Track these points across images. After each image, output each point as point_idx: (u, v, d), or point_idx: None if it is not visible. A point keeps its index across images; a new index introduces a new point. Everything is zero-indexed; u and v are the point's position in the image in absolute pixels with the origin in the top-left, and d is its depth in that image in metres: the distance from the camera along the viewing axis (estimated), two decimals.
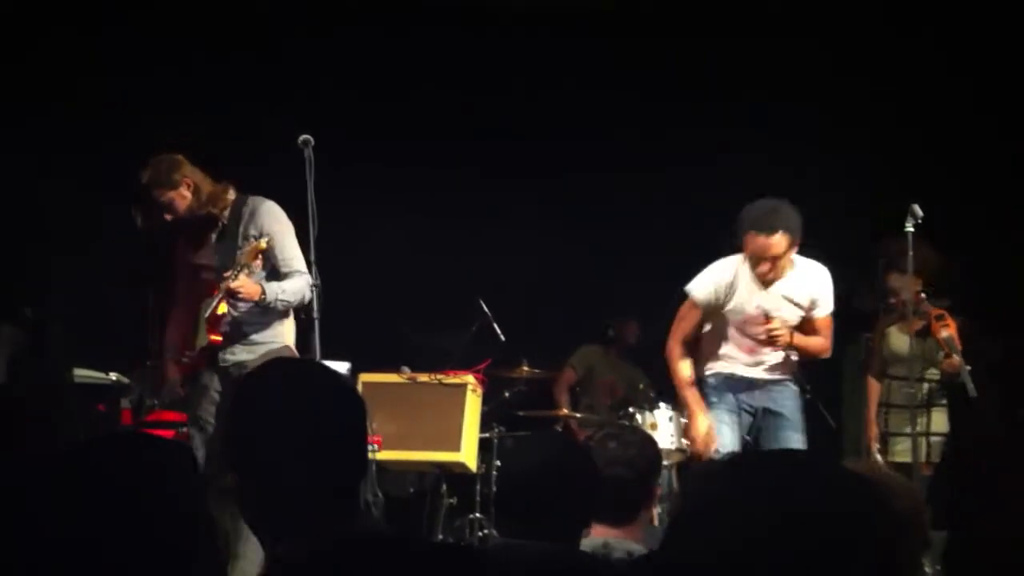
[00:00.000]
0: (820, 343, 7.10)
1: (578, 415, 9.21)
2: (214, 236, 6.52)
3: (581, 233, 9.89)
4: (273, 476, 2.62)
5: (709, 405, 7.17)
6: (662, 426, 8.34)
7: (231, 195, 6.49)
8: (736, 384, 7.14)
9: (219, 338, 6.37)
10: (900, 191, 7.40)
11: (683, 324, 7.21)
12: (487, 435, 8.42)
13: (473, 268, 9.45)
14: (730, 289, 7.07)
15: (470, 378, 8.05)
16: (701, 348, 7.27)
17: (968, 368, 7.22)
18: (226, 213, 6.47)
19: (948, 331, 7.30)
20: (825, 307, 7.09)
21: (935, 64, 9.14)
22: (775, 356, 7.10)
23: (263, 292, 6.26)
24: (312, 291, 6.32)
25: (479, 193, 9.88)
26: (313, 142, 6.33)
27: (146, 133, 7.28)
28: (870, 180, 9.13)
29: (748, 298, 7.04)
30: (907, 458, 7.44)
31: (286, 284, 6.34)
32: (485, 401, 8.35)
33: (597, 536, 3.96)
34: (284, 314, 6.47)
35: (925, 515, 3.43)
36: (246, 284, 6.20)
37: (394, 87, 9.73)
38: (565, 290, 9.96)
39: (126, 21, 9.09)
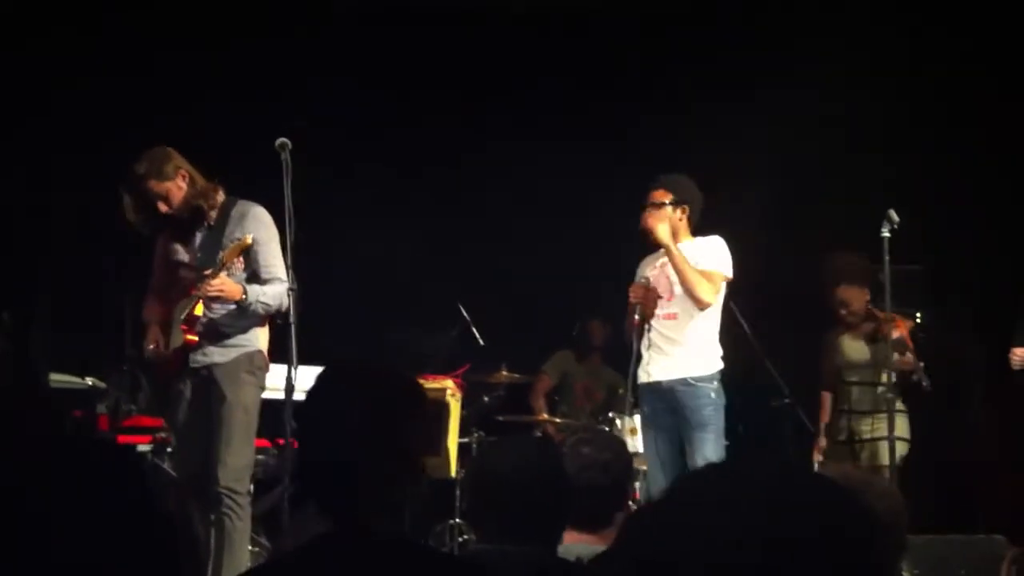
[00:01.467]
0: (697, 274, 7.01)
1: (557, 420, 9.19)
2: (199, 236, 6.51)
3: (564, 236, 9.88)
4: (324, 481, 2.72)
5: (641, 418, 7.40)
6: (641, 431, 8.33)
7: (221, 195, 6.50)
8: (648, 391, 7.21)
9: (195, 338, 6.36)
10: (884, 196, 7.48)
11: None
12: (466, 440, 8.43)
13: (453, 272, 9.46)
14: (643, 267, 7.35)
15: (449, 383, 8.04)
16: None
17: (921, 364, 7.41)
18: (214, 213, 6.46)
19: (898, 332, 7.47)
20: (706, 261, 7.11)
21: (933, 64, 9.20)
22: (680, 350, 7.08)
23: (244, 292, 6.26)
24: (289, 296, 6.30)
25: (460, 196, 9.91)
26: (290, 145, 6.32)
27: (130, 135, 7.28)
28: (852, 184, 9.17)
29: (643, 271, 7.30)
30: (870, 461, 7.60)
31: (267, 288, 6.33)
32: (464, 406, 8.36)
33: (570, 542, 3.93)
34: (261, 319, 6.45)
35: (904, 519, 3.42)
36: (227, 284, 6.21)
37: (385, 85, 9.77)
38: (545, 294, 9.96)
39: (117, 22, 9.10)
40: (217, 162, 6.60)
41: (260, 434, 6.74)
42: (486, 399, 8.86)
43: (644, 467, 8.20)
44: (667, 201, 7.19)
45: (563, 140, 9.82)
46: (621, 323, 7.47)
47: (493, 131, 9.86)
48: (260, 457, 7.56)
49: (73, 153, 8.89)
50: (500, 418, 8.91)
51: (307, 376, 6.14)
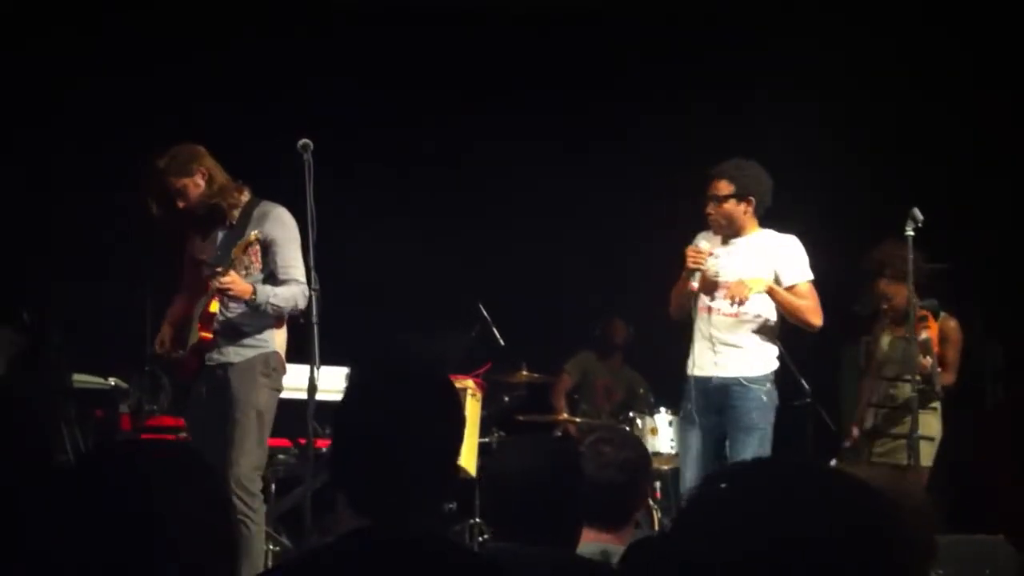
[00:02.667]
0: (802, 302, 6.79)
1: (578, 419, 9.19)
2: (221, 235, 6.50)
3: (584, 235, 9.88)
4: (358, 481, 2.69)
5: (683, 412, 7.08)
6: (662, 431, 8.38)
7: (245, 196, 6.49)
8: (700, 386, 6.83)
9: (210, 336, 6.36)
10: (900, 194, 7.48)
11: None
12: (487, 440, 8.40)
13: (472, 271, 9.45)
14: (698, 240, 6.94)
15: (469, 382, 8.01)
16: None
17: (939, 370, 7.33)
18: (236, 213, 6.45)
19: (927, 333, 7.35)
20: (792, 274, 6.85)
21: (937, 63, 9.24)
22: (737, 351, 6.81)
23: (253, 292, 6.24)
24: (310, 296, 6.28)
25: (479, 195, 9.90)
26: (312, 146, 6.32)
27: (145, 135, 7.25)
28: (870, 183, 9.20)
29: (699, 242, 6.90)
30: (886, 458, 7.55)
31: (279, 289, 6.32)
32: (485, 406, 8.34)
33: (588, 541, 3.93)
34: (278, 320, 6.43)
35: (933, 521, 3.36)
36: (236, 281, 6.19)
37: (391, 86, 9.72)
38: (566, 294, 9.96)
39: (117, 22, 9.06)
40: (238, 163, 6.58)
41: (282, 433, 6.72)
42: (506, 399, 8.84)
43: (666, 467, 8.23)
44: (729, 194, 6.85)
45: (563, 140, 9.81)
46: (642, 321, 7.39)
47: (493, 131, 9.83)
48: (281, 457, 7.56)
49: (73, 153, 8.83)
50: (520, 417, 8.92)
51: (327, 376, 6.20)
